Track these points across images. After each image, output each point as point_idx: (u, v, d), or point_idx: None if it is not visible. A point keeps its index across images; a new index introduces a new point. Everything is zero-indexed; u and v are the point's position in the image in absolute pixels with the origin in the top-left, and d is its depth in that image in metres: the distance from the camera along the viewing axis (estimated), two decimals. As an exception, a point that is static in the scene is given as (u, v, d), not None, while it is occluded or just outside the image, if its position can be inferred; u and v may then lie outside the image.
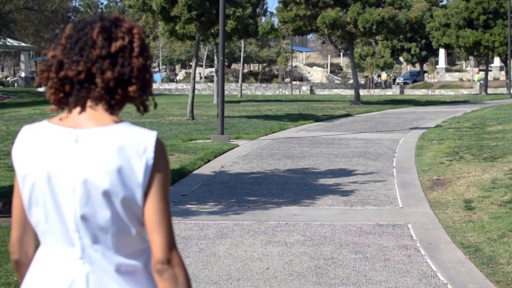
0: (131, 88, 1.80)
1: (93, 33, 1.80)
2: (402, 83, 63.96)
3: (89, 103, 1.80)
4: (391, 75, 68.14)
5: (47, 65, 1.84)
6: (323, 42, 42.97)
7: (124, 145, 1.75)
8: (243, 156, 13.29)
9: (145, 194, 1.77)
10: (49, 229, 1.80)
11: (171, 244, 1.77)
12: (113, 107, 1.82)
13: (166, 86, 64.82)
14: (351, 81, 61.79)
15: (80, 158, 1.75)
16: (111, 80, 1.77)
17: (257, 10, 36.34)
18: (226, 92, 38.97)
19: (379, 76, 66.45)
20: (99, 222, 1.76)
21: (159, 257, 1.76)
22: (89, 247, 1.78)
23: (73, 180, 1.75)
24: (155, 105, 1.90)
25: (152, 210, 1.77)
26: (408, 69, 77.32)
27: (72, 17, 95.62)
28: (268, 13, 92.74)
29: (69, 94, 1.81)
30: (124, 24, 1.84)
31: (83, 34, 1.81)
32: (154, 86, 64.90)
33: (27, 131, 1.84)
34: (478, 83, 56.63)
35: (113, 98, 1.80)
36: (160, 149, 1.79)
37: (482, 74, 60.27)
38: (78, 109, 1.80)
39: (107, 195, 1.74)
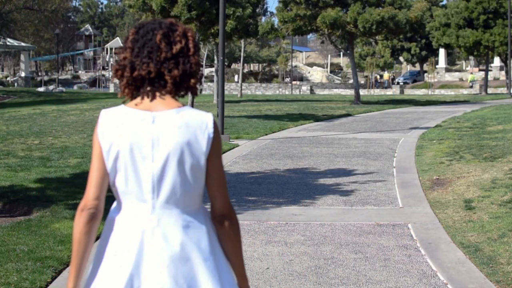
0: (193, 80, 2.30)
1: (156, 39, 2.26)
2: (402, 83, 63.94)
3: (158, 93, 2.28)
4: (389, 75, 68.23)
5: (120, 65, 2.29)
6: (323, 42, 42.94)
7: (190, 123, 2.24)
8: (243, 156, 13.29)
9: (207, 161, 2.26)
10: (128, 190, 2.25)
11: (228, 200, 2.31)
12: (178, 95, 2.32)
13: (166, 86, 64.67)
14: (351, 81, 61.76)
15: (157, 134, 2.22)
16: (178, 76, 2.25)
17: (257, 10, 36.32)
18: (226, 92, 38.93)
19: (381, 76, 66.53)
20: (171, 185, 2.23)
21: (221, 211, 2.29)
22: (159, 205, 2.24)
23: (153, 151, 2.22)
24: (200, 91, 2.38)
25: (216, 175, 2.28)
26: (408, 69, 77.30)
27: (72, 17, 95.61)
28: (268, 13, 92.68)
29: (139, 87, 2.29)
30: (178, 28, 2.30)
31: (147, 40, 2.27)
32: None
33: (108, 113, 2.29)
34: (471, 83, 56.93)
35: (178, 89, 2.29)
36: (216, 126, 2.29)
37: (474, 74, 60.72)
38: (149, 97, 2.28)
39: (180, 163, 2.22)
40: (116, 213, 2.30)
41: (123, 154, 2.23)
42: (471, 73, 62.68)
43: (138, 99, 2.28)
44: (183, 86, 2.29)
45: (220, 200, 2.29)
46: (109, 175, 2.26)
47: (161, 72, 2.25)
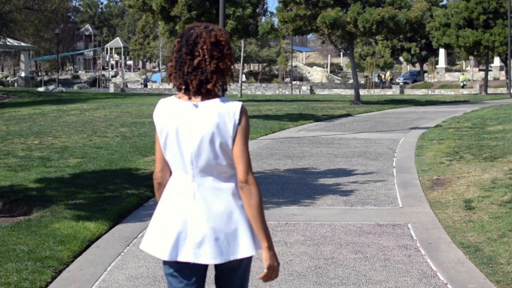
0: (209, 86, 2.85)
1: (183, 55, 2.86)
2: (402, 83, 63.93)
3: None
4: (389, 74, 68.35)
5: (170, 71, 2.94)
6: (323, 42, 42.86)
7: (221, 110, 2.83)
8: (243, 156, 13.27)
9: (233, 141, 2.83)
10: (175, 163, 2.91)
11: (248, 170, 2.83)
12: (203, 95, 2.88)
13: (166, 86, 64.66)
14: (351, 81, 61.74)
15: (195, 119, 2.84)
16: (196, 85, 2.84)
17: (257, 10, 36.29)
18: (226, 92, 38.80)
19: (385, 76, 66.69)
20: (205, 158, 2.84)
21: (241, 178, 2.83)
22: (198, 174, 2.87)
23: (191, 133, 2.84)
24: (226, 89, 2.98)
25: (237, 150, 2.83)
26: (408, 69, 77.27)
27: (72, 17, 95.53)
28: (268, 13, 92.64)
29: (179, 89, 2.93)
30: (200, 40, 2.86)
31: (180, 55, 2.88)
32: (154, 86, 64.98)
33: (163, 101, 2.95)
34: (462, 83, 57.38)
35: (199, 93, 2.86)
36: (243, 113, 2.84)
37: (466, 75, 61.31)
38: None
39: (211, 141, 2.82)
40: (171, 181, 2.98)
41: (171, 134, 2.88)
42: (463, 73, 63.21)
43: (181, 93, 2.92)
44: (202, 91, 2.86)
45: (239, 169, 2.82)
46: (163, 151, 2.94)
47: (187, 82, 2.87)
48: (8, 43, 49.65)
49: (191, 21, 22.04)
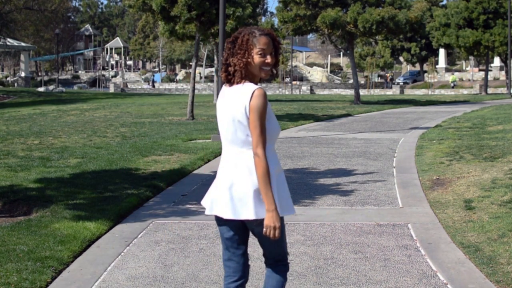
0: (220, 74, 3.60)
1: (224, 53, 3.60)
2: (402, 83, 63.91)
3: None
4: (387, 74, 68.34)
5: None
6: (323, 42, 42.86)
7: (239, 93, 3.47)
8: (243, 156, 13.25)
9: (249, 119, 3.42)
10: (222, 137, 3.62)
11: (257, 144, 3.40)
12: (231, 82, 3.57)
13: (166, 86, 64.73)
14: (351, 81, 61.73)
15: (226, 101, 3.55)
16: (224, 77, 3.57)
17: (257, 10, 36.24)
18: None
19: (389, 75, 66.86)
20: (230, 132, 3.53)
21: (253, 150, 3.42)
22: (229, 144, 3.57)
23: (223, 112, 3.56)
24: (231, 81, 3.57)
25: (250, 126, 3.43)
26: (408, 69, 77.26)
27: (72, 17, 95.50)
28: (268, 13, 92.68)
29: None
30: (236, 42, 3.51)
31: None
32: (154, 85, 64.92)
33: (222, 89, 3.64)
34: (452, 84, 57.66)
35: (229, 82, 3.55)
36: (254, 95, 3.41)
37: (456, 75, 61.73)
38: None
39: (233, 121, 3.49)
40: None
41: (218, 116, 3.62)
42: (452, 73, 63.60)
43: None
44: (231, 80, 3.53)
45: (252, 142, 3.42)
46: None
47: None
48: (8, 43, 49.65)
49: (191, 21, 22.01)
